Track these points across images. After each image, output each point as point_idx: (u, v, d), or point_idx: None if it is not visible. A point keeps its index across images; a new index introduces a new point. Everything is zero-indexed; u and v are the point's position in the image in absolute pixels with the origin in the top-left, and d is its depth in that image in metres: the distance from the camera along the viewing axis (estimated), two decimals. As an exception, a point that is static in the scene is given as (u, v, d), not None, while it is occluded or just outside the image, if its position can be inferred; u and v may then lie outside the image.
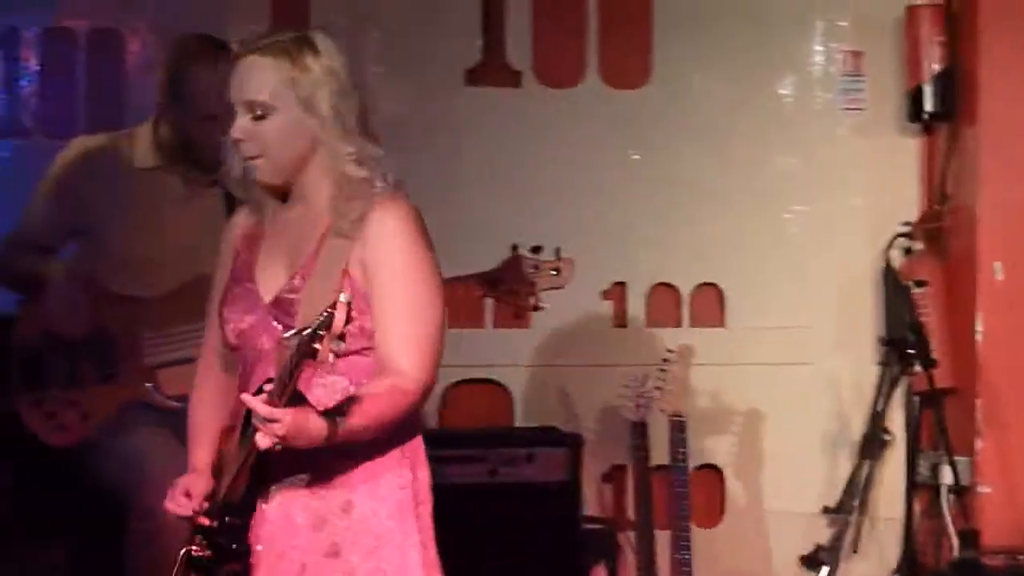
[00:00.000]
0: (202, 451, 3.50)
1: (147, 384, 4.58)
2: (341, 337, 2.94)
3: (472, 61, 5.92)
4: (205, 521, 3.34)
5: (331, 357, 2.95)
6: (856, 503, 5.75)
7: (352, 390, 3.19)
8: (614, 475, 5.90)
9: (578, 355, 5.90)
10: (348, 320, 2.94)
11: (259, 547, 3.30)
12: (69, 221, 4.62)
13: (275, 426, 3.04)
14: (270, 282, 3.36)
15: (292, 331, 3.06)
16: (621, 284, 5.99)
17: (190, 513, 3.37)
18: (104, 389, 4.59)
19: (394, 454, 3.35)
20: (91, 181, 4.61)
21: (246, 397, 3.11)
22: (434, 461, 5.29)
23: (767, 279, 6.02)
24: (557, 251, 4.43)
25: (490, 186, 5.87)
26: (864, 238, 6.02)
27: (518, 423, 5.87)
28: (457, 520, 5.19)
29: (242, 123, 3.30)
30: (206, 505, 3.38)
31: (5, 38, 5.69)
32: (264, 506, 3.29)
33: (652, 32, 6.02)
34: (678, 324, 6.02)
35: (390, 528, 3.32)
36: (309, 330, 2.94)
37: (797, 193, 6.07)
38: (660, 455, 5.59)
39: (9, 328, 4.62)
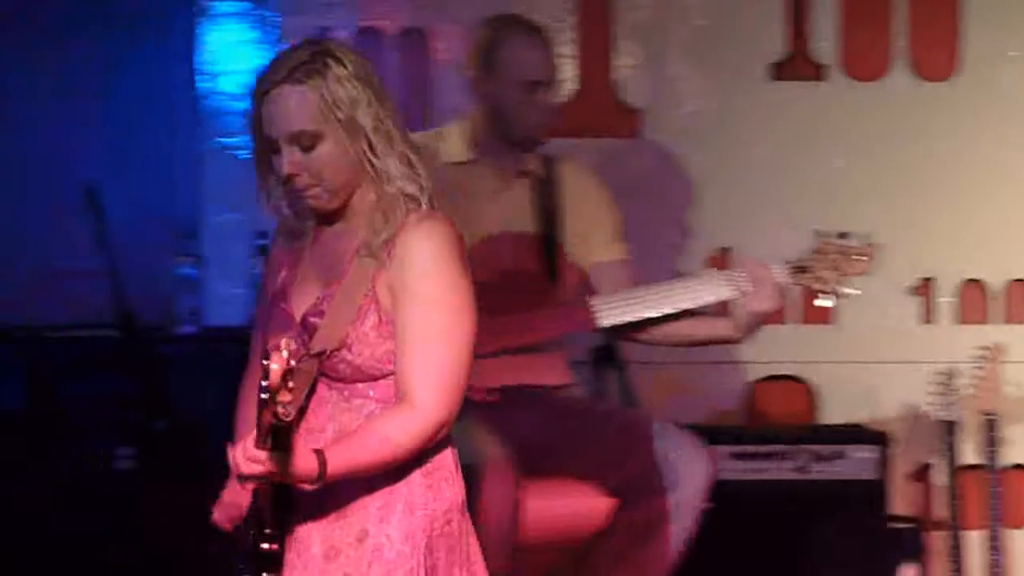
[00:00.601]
0: None
1: None
2: (279, 389, 2.84)
3: (776, 55, 5.88)
4: (248, 542, 3.26)
5: (280, 408, 2.86)
6: None
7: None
8: (920, 474, 5.82)
9: (884, 352, 5.81)
10: (288, 372, 2.83)
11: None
12: None
13: (255, 467, 2.99)
14: (301, 301, 3.27)
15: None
16: (928, 279, 5.89)
17: (231, 530, 3.36)
18: None
19: (414, 477, 3.19)
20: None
21: (229, 446, 3.05)
22: (741, 457, 5.38)
23: (1083, 274, 5.87)
24: (864, 236, 4.36)
25: (795, 181, 5.82)
26: None
27: (823, 420, 5.82)
28: (764, 516, 5.27)
29: (292, 157, 3.17)
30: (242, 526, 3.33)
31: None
32: (289, 533, 3.22)
33: (961, 21, 5.90)
34: (988, 320, 5.90)
35: (403, 554, 3.16)
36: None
37: (1113, 186, 5.90)
38: (966, 454, 5.51)
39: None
